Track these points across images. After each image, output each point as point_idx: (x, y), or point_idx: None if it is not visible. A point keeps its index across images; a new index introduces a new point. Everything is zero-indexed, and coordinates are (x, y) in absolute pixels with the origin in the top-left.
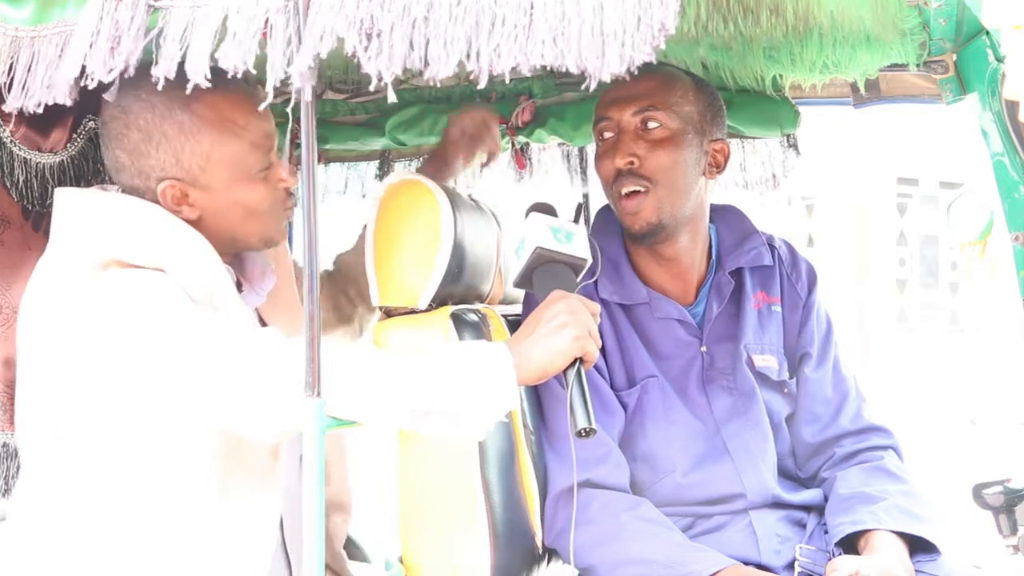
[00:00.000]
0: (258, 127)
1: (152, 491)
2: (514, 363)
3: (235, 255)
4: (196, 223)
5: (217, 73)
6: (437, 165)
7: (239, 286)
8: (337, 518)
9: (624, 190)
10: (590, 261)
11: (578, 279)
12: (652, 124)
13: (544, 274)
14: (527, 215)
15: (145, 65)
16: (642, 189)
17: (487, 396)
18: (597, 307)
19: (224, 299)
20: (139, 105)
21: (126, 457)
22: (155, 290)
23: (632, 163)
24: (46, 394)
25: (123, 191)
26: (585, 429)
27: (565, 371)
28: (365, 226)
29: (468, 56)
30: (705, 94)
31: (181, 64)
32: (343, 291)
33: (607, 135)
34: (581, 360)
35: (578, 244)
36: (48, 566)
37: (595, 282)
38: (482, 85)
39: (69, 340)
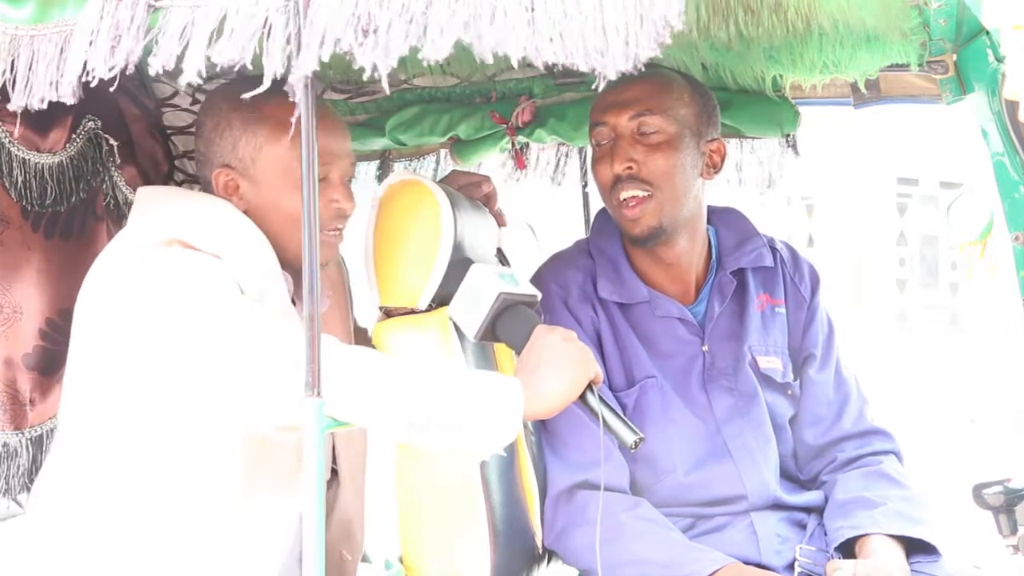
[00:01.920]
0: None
1: (181, 486)
2: (527, 397)
3: (293, 274)
4: None
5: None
6: None
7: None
8: (346, 551)
9: (623, 195)
10: (540, 296)
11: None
12: (648, 128)
13: (508, 320)
14: (468, 271)
15: (228, 69)
16: (643, 194)
17: (489, 425)
18: (573, 333)
19: (272, 295)
20: (219, 98)
21: (158, 447)
22: (206, 273)
23: (630, 168)
24: (91, 367)
25: (202, 188)
26: (636, 441)
27: (582, 399)
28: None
29: (468, 39)
30: (699, 95)
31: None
32: None
33: (602, 140)
34: (591, 383)
35: (525, 282)
36: (70, 554)
37: (594, 281)
38: (489, 60)
39: (117, 311)
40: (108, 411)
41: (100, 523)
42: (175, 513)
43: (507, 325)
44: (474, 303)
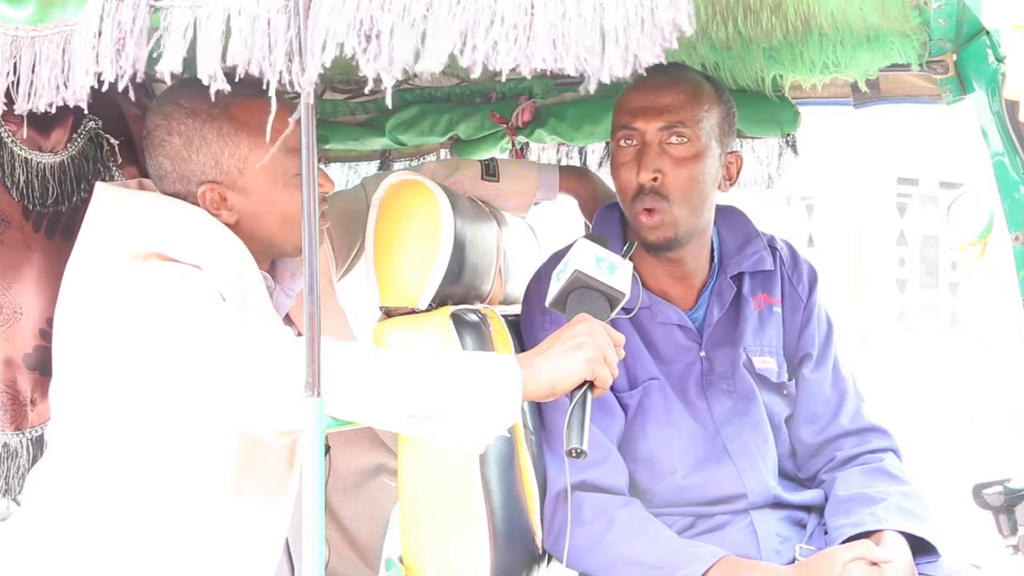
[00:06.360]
0: (294, 133)
1: (168, 492)
2: (523, 377)
3: (279, 269)
4: (234, 227)
5: (255, 80)
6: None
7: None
8: (388, 479)
9: (644, 206)
10: (627, 296)
11: (612, 312)
12: (678, 139)
13: (578, 299)
14: (576, 240)
15: (186, 73)
16: (662, 205)
17: (489, 407)
18: (621, 338)
19: (254, 302)
20: (180, 112)
21: (145, 454)
22: (190, 285)
23: (656, 179)
24: (77, 381)
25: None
26: (576, 450)
27: (574, 391)
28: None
29: (462, 52)
30: (724, 102)
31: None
32: None
33: (627, 143)
34: (592, 384)
35: (619, 278)
36: (60, 557)
37: None
38: (476, 75)
39: (103, 326)
40: (101, 425)
41: (88, 527)
42: (163, 520)
43: (575, 304)
44: (561, 272)
